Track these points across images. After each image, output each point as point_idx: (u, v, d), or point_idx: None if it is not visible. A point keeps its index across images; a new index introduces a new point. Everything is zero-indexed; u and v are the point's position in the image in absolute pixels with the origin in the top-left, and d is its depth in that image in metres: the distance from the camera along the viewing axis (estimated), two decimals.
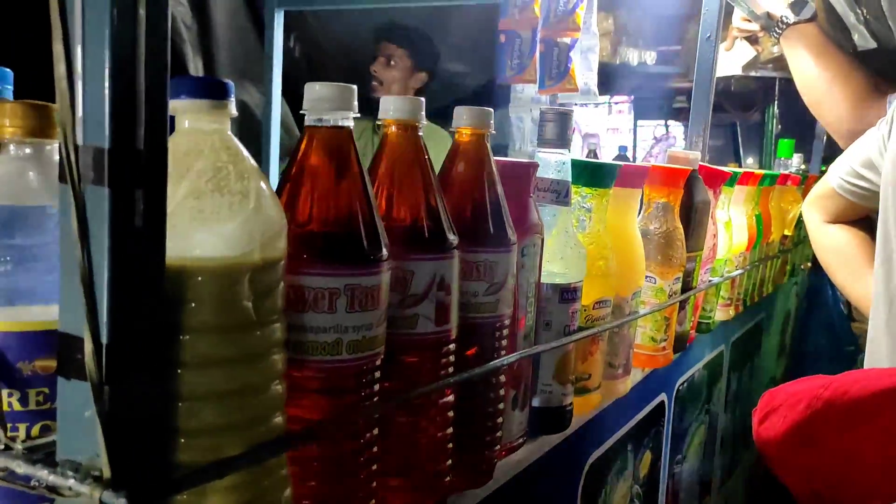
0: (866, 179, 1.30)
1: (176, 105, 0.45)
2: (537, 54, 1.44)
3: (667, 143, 2.77)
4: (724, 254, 1.42)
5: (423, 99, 0.61)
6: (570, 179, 0.84)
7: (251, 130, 2.48)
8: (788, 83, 2.69)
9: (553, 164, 0.83)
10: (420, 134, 0.62)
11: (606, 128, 5.03)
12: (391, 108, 0.61)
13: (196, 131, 0.45)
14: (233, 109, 0.47)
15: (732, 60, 1.89)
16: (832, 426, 0.83)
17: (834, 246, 1.42)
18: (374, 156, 0.63)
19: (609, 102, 3.53)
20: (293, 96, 3.15)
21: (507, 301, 0.70)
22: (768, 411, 0.89)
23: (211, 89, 0.46)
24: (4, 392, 0.43)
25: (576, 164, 0.88)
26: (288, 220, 0.49)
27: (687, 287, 1.22)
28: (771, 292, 1.93)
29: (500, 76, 1.49)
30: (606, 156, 4.90)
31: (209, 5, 2.64)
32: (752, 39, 1.91)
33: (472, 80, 3.19)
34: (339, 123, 0.54)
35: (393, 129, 0.62)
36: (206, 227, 0.43)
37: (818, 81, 1.60)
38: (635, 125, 5.82)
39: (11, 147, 0.45)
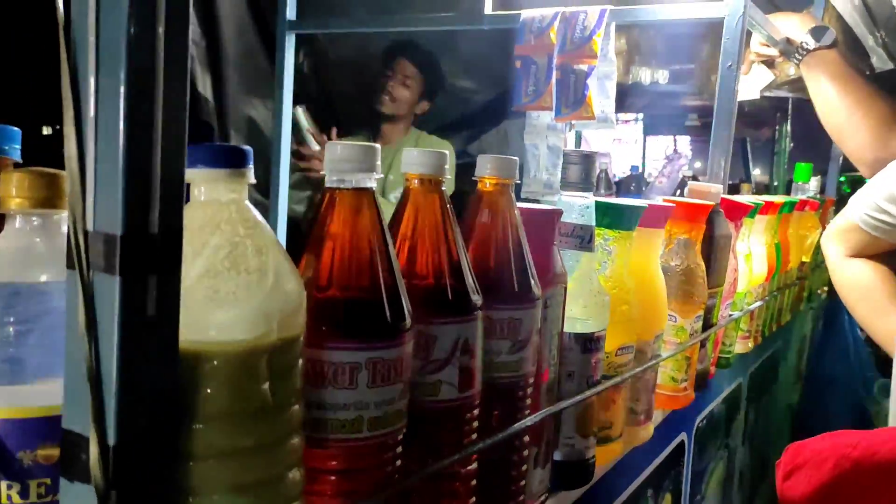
0: (891, 214, 1.27)
1: (192, 175, 0.42)
2: (553, 81, 1.41)
3: (677, 162, 2.74)
4: (745, 287, 1.39)
5: (447, 153, 0.59)
6: (594, 224, 0.81)
7: (259, 147, 2.46)
8: (802, 102, 2.65)
9: (577, 208, 0.80)
10: (444, 189, 0.59)
11: (612, 138, 5.00)
12: (415, 161, 0.58)
13: (213, 202, 0.43)
14: (251, 176, 0.44)
15: (750, 85, 1.86)
16: (860, 489, 0.80)
17: (856, 281, 1.38)
18: (396, 210, 0.60)
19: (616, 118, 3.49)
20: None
21: (531, 358, 0.67)
22: (793, 468, 0.85)
23: (229, 157, 0.43)
24: (4, 484, 0.40)
25: (599, 206, 0.85)
26: (307, 288, 0.46)
27: (708, 324, 1.18)
28: (789, 320, 1.89)
29: (515, 103, 1.47)
30: (616, 171, 4.87)
31: (218, 21, 2.62)
32: (768, 63, 1.89)
33: (481, 95, 3.18)
34: (362, 185, 0.51)
35: (416, 183, 0.59)
36: (221, 309, 0.40)
37: (839, 108, 1.57)
38: (645, 141, 5.81)
39: (18, 219, 0.43)
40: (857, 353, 2.43)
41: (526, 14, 1.44)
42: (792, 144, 3.61)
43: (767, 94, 2.43)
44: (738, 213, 1.28)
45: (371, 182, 0.52)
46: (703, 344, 1.20)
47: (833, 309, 2.47)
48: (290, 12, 1.78)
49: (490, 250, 0.66)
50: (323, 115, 3.22)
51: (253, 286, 0.41)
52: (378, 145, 0.52)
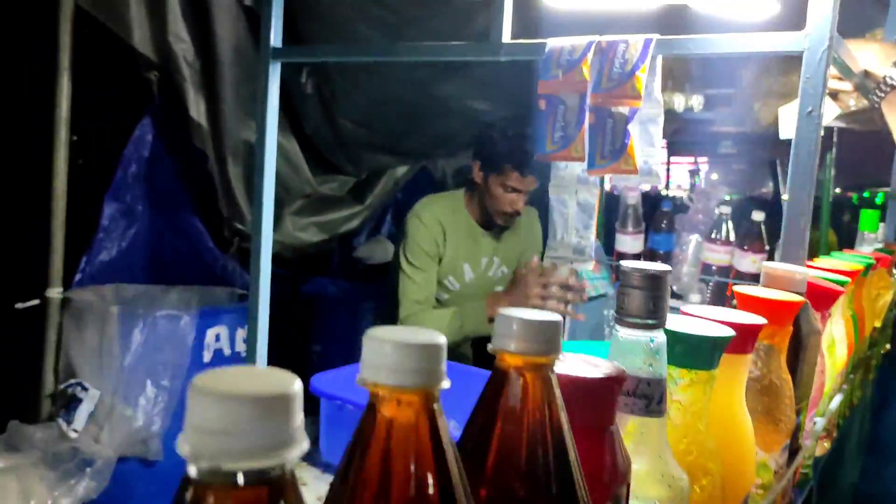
0: None
1: None
2: (586, 125, 1.15)
3: (712, 195, 2.46)
4: (829, 383, 1.11)
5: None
6: (664, 374, 0.55)
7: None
8: (846, 133, 2.33)
9: (640, 351, 0.54)
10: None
11: None
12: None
13: None
14: None
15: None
16: None
17: None
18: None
19: None
20: (302, 133, 2.90)
21: None
22: None
23: None
24: None
25: (669, 339, 0.58)
26: None
27: (794, 449, 0.91)
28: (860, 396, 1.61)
29: (539, 151, 1.20)
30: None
31: (214, 41, 2.39)
32: (832, 95, 1.62)
33: (496, 114, 2.90)
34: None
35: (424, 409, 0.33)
36: None
37: None
38: (669, 164, 5.54)
39: None
40: None
41: (553, 44, 1.18)
42: (834, 171, 3.34)
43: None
44: (828, 300, 1.00)
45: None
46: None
47: (890, 371, 2.18)
48: (276, 39, 1.53)
49: (517, 465, 0.40)
50: (325, 143, 2.99)
51: None
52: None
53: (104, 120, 2.48)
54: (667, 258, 2.38)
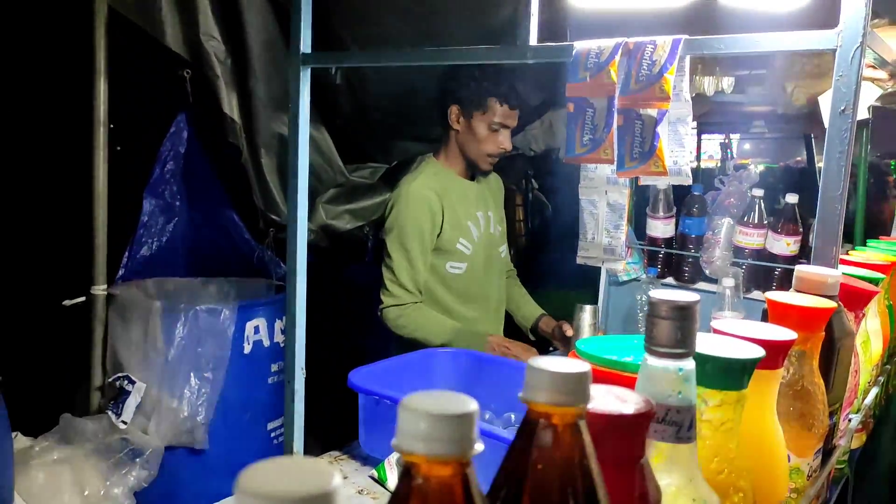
0: None
1: None
2: (615, 128, 1.15)
3: (744, 177, 2.43)
4: (864, 379, 1.12)
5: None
6: (693, 401, 0.57)
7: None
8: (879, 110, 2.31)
9: (670, 380, 0.56)
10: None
11: None
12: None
13: None
14: None
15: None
16: None
17: None
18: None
19: None
20: (333, 123, 2.93)
21: None
22: None
23: None
24: None
25: (698, 360, 0.60)
26: None
27: (828, 450, 0.92)
28: None
29: (568, 153, 1.21)
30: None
31: (245, 36, 2.42)
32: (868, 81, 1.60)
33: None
34: None
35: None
36: None
37: None
38: (700, 140, 5.44)
39: None
40: None
41: (580, 46, 1.18)
42: (869, 146, 3.27)
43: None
44: (862, 300, 1.01)
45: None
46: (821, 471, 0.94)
47: None
48: (305, 45, 1.55)
49: None
50: (355, 133, 3.01)
51: None
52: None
53: (140, 118, 2.54)
54: (698, 242, 2.37)
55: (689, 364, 0.56)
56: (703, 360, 0.61)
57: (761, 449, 0.69)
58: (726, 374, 0.61)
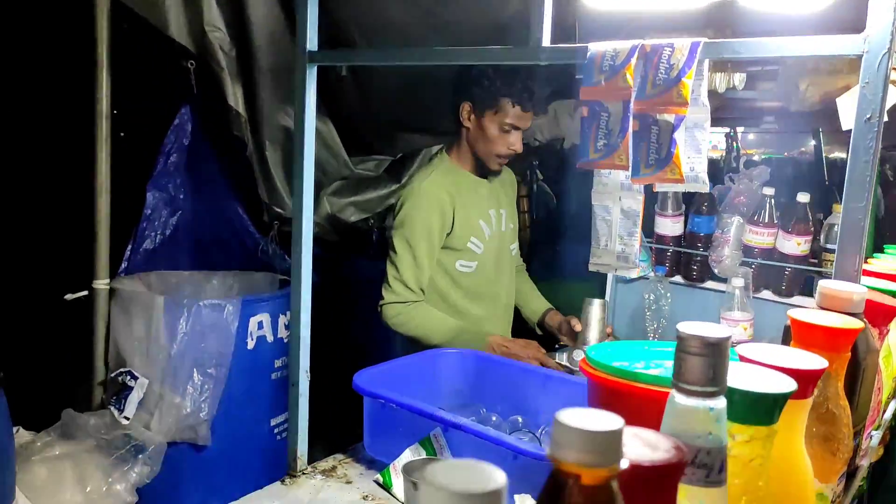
0: None
1: None
2: (630, 134, 1.12)
3: (754, 175, 2.39)
4: (885, 392, 1.09)
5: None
6: (724, 442, 0.54)
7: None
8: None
9: (700, 420, 0.53)
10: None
11: None
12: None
13: None
14: None
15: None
16: None
17: None
18: None
19: None
20: (338, 116, 2.90)
21: None
22: None
23: None
24: None
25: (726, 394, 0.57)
26: None
27: (851, 471, 0.90)
28: None
29: (581, 158, 1.18)
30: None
31: (250, 28, 2.39)
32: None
33: None
34: None
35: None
36: None
37: None
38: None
39: None
40: None
41: (595, 48, 1.14)
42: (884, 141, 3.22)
43: None
44: (888, 317, 0.98)
45: None
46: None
47: None
48: (311, 43, 1.51)
49: None
50: (361, 125, 2.98)
51: None
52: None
53: (144, 110, 2.51)
54: (707, 240, 2.34)
55: (721, 403, 0.53)
56: (730, 394, 0.58)
57: (788, 483, 0.66)
58: (757, 409, 0.59)
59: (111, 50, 2.21)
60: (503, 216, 2.21)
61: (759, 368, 0.64)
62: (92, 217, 2.27)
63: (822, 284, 0.91)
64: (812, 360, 0.69)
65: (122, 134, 2.37)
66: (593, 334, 1.93)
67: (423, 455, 1.39)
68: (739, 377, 0.60)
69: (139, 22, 2.22)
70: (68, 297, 2.28)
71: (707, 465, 0.53)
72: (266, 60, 2.45)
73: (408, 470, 1.31)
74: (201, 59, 2.36)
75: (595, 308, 1.95)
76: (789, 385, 0.60)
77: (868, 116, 0.99)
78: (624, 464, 0.40)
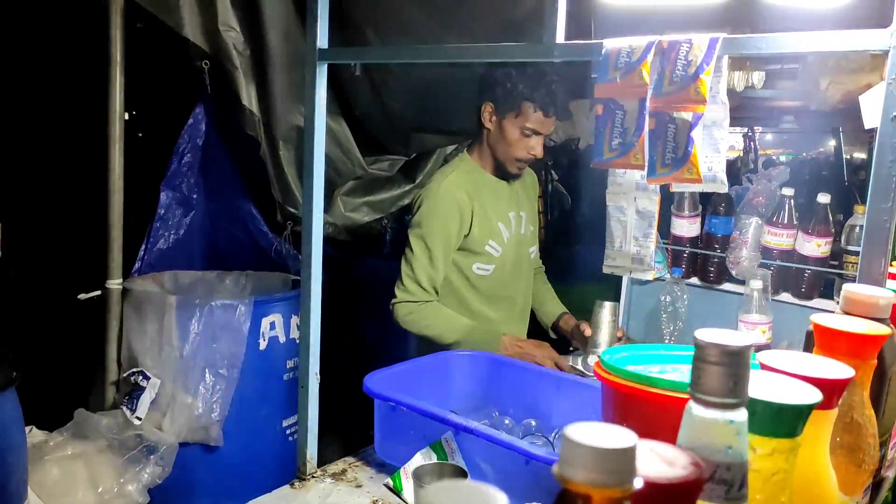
0: None
1: None
2: (646, 132, 1.09)
3: (773, 176, 2.34)
4: None
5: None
6: (745, 457, 0.51)
7: None
8: None
9: (719, 433, 0.50)
10: None
11: None
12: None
13: None
14: None
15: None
16: None
17: None
18: None
19: None
20: (352, 115, 2.88)
21: None
22: None
23: None
24: None
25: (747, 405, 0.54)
26: None
27: (876, 483, 0.87)
28: None
29: (596, 158, 1.15)
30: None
31: (264, 27, 2.38)
32: None
33: None
34: None
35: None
36: None
37: None
38: None
39: None
40: None
41: (610, 45, 1.12)
42: None
43: None
44: None
45: None
46: None
47: None
48: (322, 40, 1.50)
49: None
50: (375, 125, 2.97)
51: None
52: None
53: (158, 110, 2.51)
54: (725, 242, 2.30)
55: (741, 415, 0.51)
56: (752, 404, 0.55)
57: (812, 497, 0.63)
58: (779, 421, 0.56)
59: (125, 50, 2.21)
60: (523, 219, 2.18)
61: (782, 377, 0.61)
62: (105, 217, 2.27)
63: (847, 288, 0.87)
64: (838, 369, 0.66)
65: (140, 135, 2.37)
66: (604, 338, 1.90)
67: (434, 459, 1.37)
68: (761, 387, 0.58)
69: (153, 21, 2.21)
70: (81, 296, 2.28)
71: (727, 480, 0.50)
72: (280, 60, 2.44)
73: (417, 475, 1.28)
74: (215, 58, 2.35)
75: (606, 311, 1.91)
76: (814, 395, 0.57)
77: (894, 114, 0.96)
78: (638, 483, 0.37)
